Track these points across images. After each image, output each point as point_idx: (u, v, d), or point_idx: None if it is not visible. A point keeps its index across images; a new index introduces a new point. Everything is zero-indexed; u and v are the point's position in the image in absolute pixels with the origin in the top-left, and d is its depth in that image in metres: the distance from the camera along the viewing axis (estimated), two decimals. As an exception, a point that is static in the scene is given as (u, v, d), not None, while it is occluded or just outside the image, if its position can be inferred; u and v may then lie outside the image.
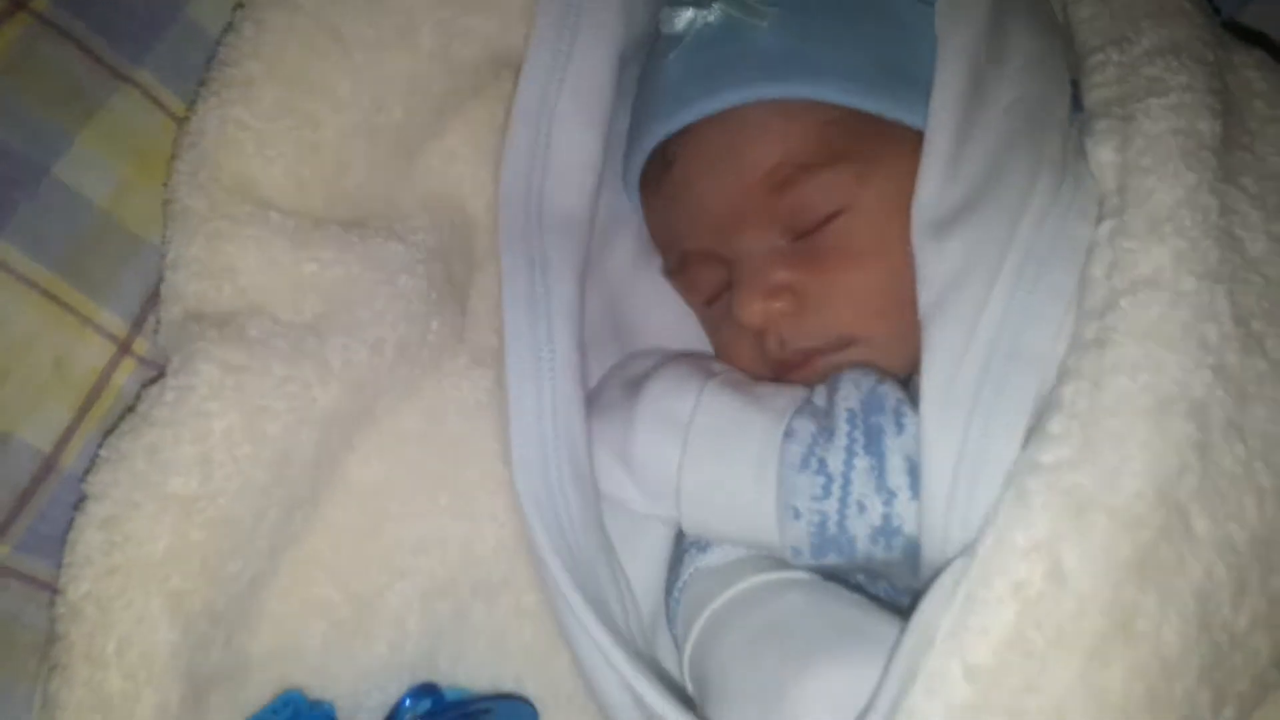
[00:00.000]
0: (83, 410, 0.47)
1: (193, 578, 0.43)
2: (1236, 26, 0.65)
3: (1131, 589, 0.39)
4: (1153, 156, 0.46)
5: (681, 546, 0.54)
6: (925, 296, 0.47)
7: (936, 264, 0.47)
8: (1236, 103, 0.52)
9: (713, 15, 0.53)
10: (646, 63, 0.58)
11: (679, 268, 0.58)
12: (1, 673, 0.44)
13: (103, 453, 0.44)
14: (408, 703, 0.49)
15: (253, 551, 0.45)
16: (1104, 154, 0.48)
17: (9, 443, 0.44)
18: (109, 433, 0.47)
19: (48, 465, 0.46)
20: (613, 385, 0.54)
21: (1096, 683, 0.39)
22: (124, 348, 0.48)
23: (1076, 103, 0.54)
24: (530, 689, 0.52)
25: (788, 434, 0.48)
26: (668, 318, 0.60)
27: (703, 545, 0.53)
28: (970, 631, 0.39)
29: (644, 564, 0.53)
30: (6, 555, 0.44)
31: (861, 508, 0.46)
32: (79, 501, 0.44)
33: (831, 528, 0.47)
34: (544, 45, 0.53)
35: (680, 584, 0.53)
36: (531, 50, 0.53)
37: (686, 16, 0.54)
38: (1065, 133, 0.50)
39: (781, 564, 0.51)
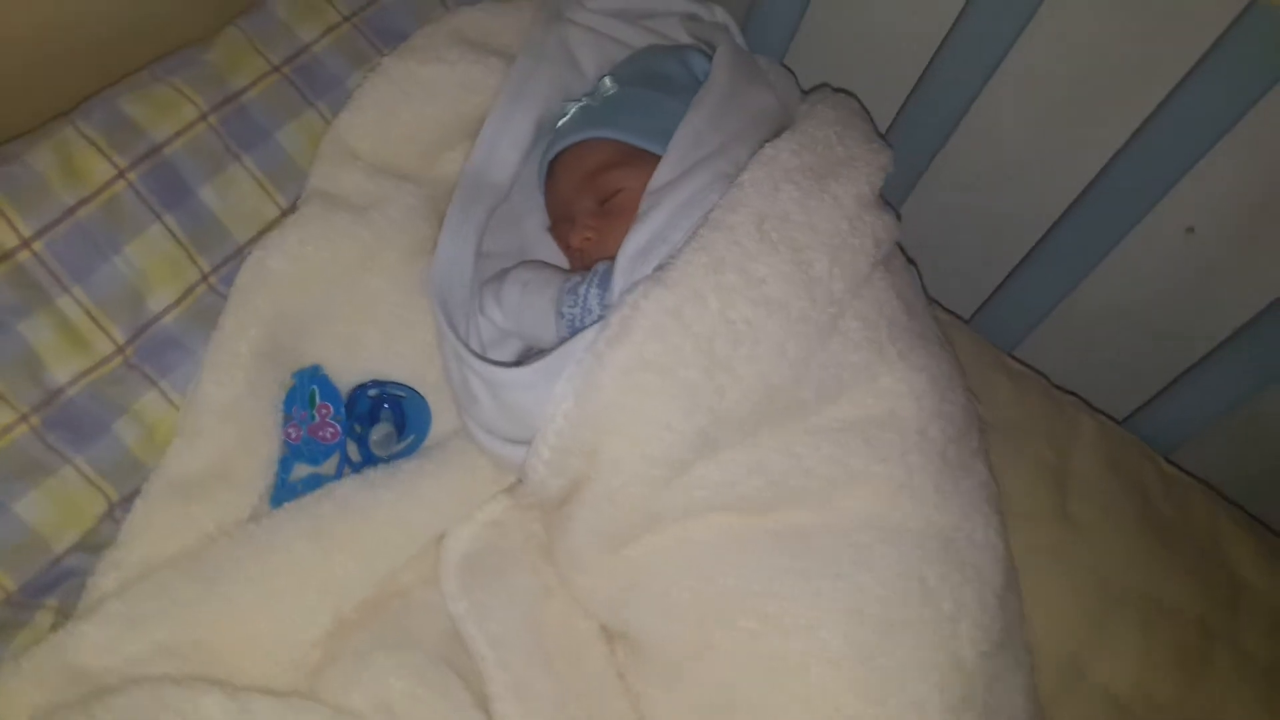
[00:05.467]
0: (261, 231, 1.05)
1: (289, 289, 0.98)
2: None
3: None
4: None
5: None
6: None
7: (644, 210, 0.91)
8: None
9: (582, 102, 1.10)
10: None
11: (554, 224, 1.12)
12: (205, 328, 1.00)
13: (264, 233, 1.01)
14: (369, 383, 1.02)
15: (316, 293, 0.99)
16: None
17: (231, 236, 1.02)
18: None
19: (239, 249, 1.03)
20: (509, 269, 1.07)
21: None
22: (285, 213, 1.07)
23: None
24: (432, 401, 1.03)
25: (566, 278, 0.97)
26: (548, 253, 1.13)
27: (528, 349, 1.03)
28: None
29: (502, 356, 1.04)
30: (215, 281, 1.01)
31: (589, 310, 0.89)
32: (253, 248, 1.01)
33: (577, 321, 0.92)
34: (500, 108, 1.09)
35: None
36: (492, 111, 1.09)
37: (573, 105, 1.11)
38: (737, 164, 0.89)
39: None
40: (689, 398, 0.80)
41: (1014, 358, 1.33)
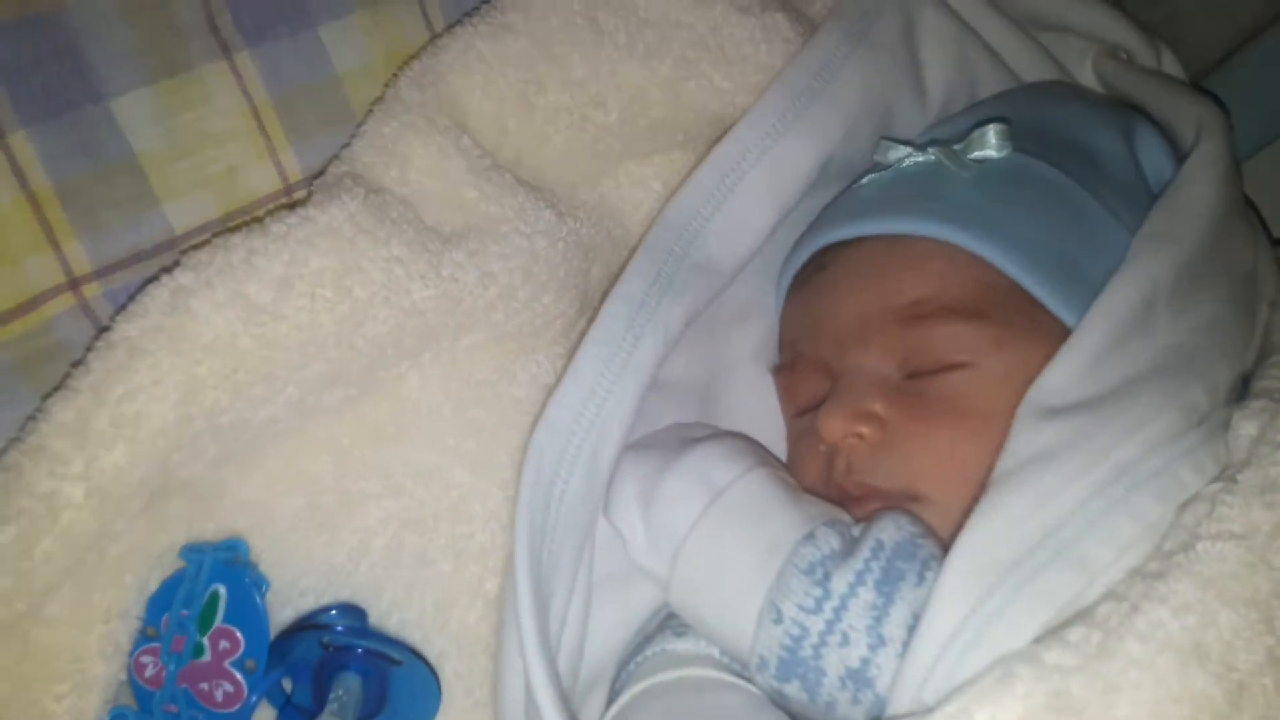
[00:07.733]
0: (227, 216, 0.51)
1: (217, 377, 0.44)
2: None
3: None
4: None
5: (657, 627, 0.52)
6: (1002, 465, 0.44)
7: (1029, 441, 0.44)
8: None
9: (924, 157, 0.55)
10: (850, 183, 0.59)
11: (788, 366, 0.57)
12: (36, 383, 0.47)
13: (215, 241, 0.47)
14: (334, 613, 0.48)
15: (280, 390, 0.46)
16: (1246, 428, 0.46)
17: (158, 207, 0.49)
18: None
19: (170, 241, 0.50)
20: (669, 433, 0.53)
21: None
22: (289, 190, 0.53)
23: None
24: (447, 670, 0.50)
25: (809, 536, 0.45)
26: (755, 413, 0.58)
27: (679, 631, 0.50)
28: None
29: (616, 614, 0.51)
30: (95, 295, 0.48)
31: (845, 640, 0.43)
32: (171, 266, 0.46)
33: (807, 648, 0.44)
34: (765, 114, 0.55)
35: (641, 658, 0.50)
36: (750, 115, 0.55)
37: (901, 152, 0.56)
38: (1214, 395, 0.48)
39: (741, 675, 0.47)
40: None
41: None
